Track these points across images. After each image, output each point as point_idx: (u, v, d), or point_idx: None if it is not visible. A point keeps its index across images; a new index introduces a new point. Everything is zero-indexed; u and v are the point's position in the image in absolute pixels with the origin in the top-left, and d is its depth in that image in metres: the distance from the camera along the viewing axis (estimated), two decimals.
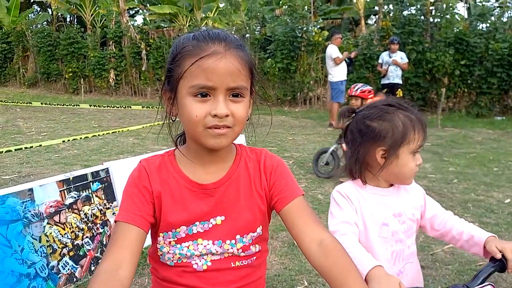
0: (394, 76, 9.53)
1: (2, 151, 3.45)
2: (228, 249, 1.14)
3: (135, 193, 1.12)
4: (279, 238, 3.60)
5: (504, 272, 1.30)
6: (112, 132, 6.69)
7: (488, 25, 11.82)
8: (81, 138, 5.02)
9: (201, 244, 1.13)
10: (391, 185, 1.52)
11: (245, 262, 1.16)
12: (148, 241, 1.17)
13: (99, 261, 2.94)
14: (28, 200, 2.60)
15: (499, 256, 1.29)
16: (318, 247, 1.04)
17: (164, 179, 1.14)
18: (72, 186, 2.90)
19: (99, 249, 2.99)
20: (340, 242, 1.10)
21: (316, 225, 1.09)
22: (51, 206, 2.72)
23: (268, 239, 1.25)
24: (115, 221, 1.09)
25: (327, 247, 1.03)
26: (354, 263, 1.02)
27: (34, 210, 2.63)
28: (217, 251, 1.14)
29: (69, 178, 2.91)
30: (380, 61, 9.85)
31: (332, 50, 9.55)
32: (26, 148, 4.61)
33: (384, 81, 9.65)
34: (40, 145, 4.39)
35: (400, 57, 9.56)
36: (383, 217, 1.45)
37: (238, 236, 1.14)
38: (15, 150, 4.35)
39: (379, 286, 1.07)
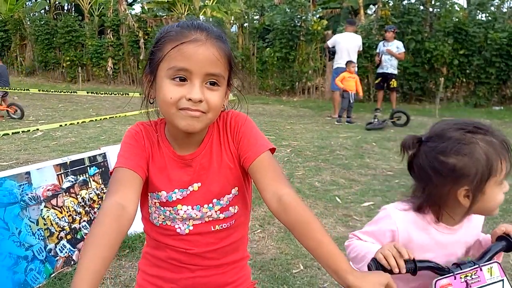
0: (388, 66, 9.22)
1: None
2: (206, 212, 1.21)
3: (135, 146, 1.19)
4: (275, 223, 3.62)
5: (510, 252, 1.29)
6: (110, 118, 6.68)
7: (487, 14, 11.79)
8: (78, 123, 5.02)
9: (181, 209, 1.21)
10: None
11: (224, 225, 1.24)
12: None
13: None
14: (25, 184, 2.61)
15: (502, 229, 1.29)
16: (278, 203, 1.07)
17: (154, 144, 1.22)
18: (69, 170, 2.90)
19: None
20: (353, 243, 1.26)
21: (275, 181, 1.11)
22: (48, 190, 2.73)
23: (249, 200, 1.30)
24: (114, 168, 1.14)
25: (286, 203, 1.06)
26: (314, 216, 1.06)
27: (31, 193, 2.64)
28: (197, 215, 1.21)
29: (66, 162, 2.91)
30: (377, 50, 9.71)
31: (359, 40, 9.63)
32: (23, 132, 4.61)
33: (379, 70, 9.47)
34: (37, 129, 4.39)
35: (396, 46, 9.24)
36: (431, 255, 1.26)
37: (214, 200, 1.21)
38: (13, 133, 4.35)
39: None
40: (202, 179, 1.20)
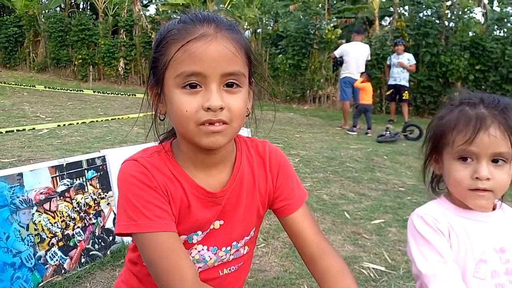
0: (401, 78, 9.20)
1: None
2: (221, 256, 1.04)
3: (149, 193, 0.94)
4: (280, 238, 3.45)
5: None
6: (112, 119, 6.56)
7: (506, 30, 11.56)
8: (77, 123, 4.89)
9: (195, 249, 1.01)
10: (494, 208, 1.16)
11: (233, 268, 1.09)
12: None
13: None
14: (17, 186, 2.46)
15: None
16: (319, 252, 1.06)
17: (169, 179, 0.97)
18: (65, 173, 2.75)
19: (91, 240, 2.85)
20: None
21: (319, 235, 1.09)
22: (41, 193, 2.58)
23: (256, 239, 1.17)
24: (138, 233, 0.91)
25: (329, 252, 1.07)
26: (349, 270, 1.05)
27: (23, 196, 2.48)
28: (210, 258, 1.03)
29: (63, 164, 2.76)
30: (388, 62, 9.70)
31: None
32: (18, 130, 4.48)
33: (391, 82, 9.45)
34: (33, 128, 4.26)
35: (407, 58, 9.21)
36: (480, 251, 1.09)
37: (234, 243, 1.04)
38: (6, 132, 4.23)
39: None
40: (226, 217, 1.02)
